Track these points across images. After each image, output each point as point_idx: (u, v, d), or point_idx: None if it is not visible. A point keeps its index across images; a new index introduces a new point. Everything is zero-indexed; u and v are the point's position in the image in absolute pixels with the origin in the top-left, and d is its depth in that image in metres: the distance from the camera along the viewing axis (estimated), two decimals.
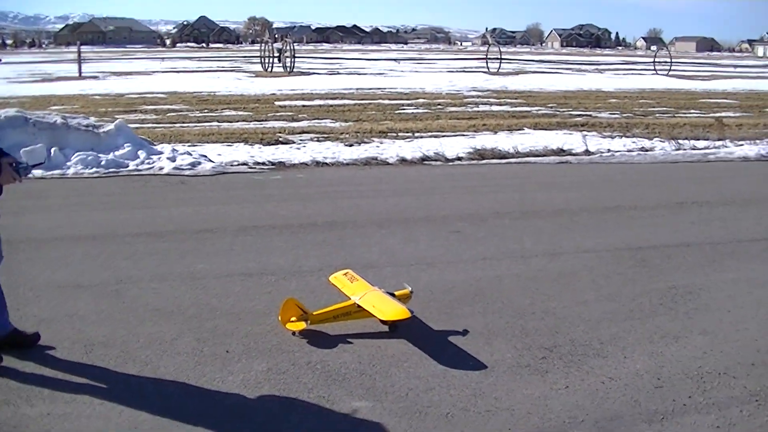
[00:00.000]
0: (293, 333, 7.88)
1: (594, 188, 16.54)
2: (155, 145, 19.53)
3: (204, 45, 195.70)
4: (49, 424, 6.11)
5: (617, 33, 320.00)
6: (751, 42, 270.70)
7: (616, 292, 9.47)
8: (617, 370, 7.20)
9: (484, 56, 72.97)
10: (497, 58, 68.52)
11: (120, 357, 7.38)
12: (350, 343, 7.77)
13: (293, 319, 7.85)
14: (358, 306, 7.99)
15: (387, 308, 7.84)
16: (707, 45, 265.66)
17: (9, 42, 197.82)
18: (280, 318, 7.90)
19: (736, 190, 16.52)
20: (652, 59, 79.10)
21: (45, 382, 6.84)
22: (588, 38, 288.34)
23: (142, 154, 18.35)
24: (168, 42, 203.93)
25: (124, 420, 6.18)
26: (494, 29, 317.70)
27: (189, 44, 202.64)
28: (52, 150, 17.70)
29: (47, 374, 6.99)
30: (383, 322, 8.03)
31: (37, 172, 16.39)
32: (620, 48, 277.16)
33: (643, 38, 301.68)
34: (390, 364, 7.28)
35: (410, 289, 8.53)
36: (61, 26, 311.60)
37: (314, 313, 7.92)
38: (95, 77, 53.13)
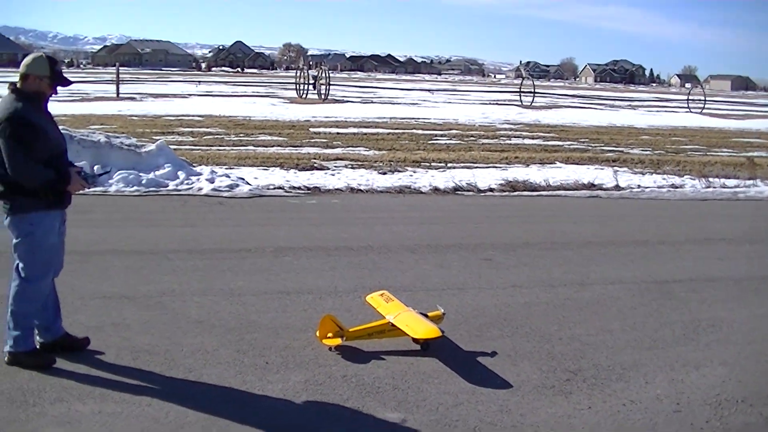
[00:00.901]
0: (329, 348, 8.26)
1: (623, 222, 16.87)
2: (194, 166, 19.98)
3: (239, 70, 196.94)
4: (101, 421, 6.50)
5: (651, 69, 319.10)
6: None
7: (641, 322, 9.80)
8: (638, 394, 7.54)
9: (518, 89, 73.37)
10: (531, 92, 68.88)
11: (165, 364, 7.78)
12: (383, 359, 8.14)
13: (330, 334, 8.24)
14: (393, 325, 8.36)
15: (419, 327, 8.21)
16: (742, 83, 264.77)
17: None
18: (317, 333, 8.30)
19: (764, 229, 16.83)
20: (686, 97, 79.22)
21: (95, 383, 7.25)
22: (622, 74, 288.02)
23: (181, 174, 18.80)
24: (203, 66, 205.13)
25: (171, 420, 6.57)
26: (528, 62, 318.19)
27: (224, 68, 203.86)
28: (95, 168, 18.11)
29: (97, 376, 7.40)
30: (415, 340, 8.40)
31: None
32: (654, 84, 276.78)
33: (678, 75, 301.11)
34: (421, 379, 7.65)
35: (443, 311, 8.89)
36: (99, 47, 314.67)
37: (350, 330, 8.30)
38: (133, 98, 53.77)
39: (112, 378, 7.39)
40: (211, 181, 18.66)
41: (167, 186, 18.25)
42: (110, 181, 17.90)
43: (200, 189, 18.15)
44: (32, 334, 7.69)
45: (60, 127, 8.70)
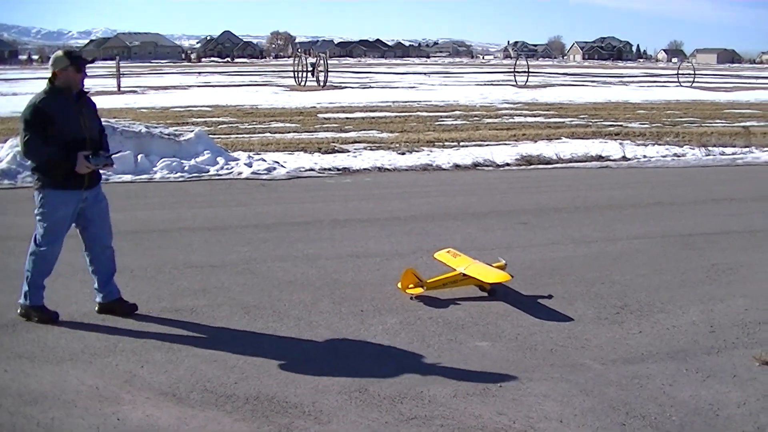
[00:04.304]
0: (411, 297, 9.66)
1: (636, 188, 18.36)
2: (231, 152, 21.32)
3: (229, 60, 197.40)
4: (243, 357, 7.89)
5: (638, 45, 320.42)
6: None
7: (669, 268, 11.31)
8: (678, 321, 9.05)
9: (512, 69, 74.69)
10: (524, 72, 70.12)
11: (275, 315, 9.17)
12: (459, 304, 9.57)
13: (411, 285, 9.65)
14: (464, 275, 9.80)
15: (491, 274, 9.68)
16: (728, 57, 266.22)
17: (35, 57, 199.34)
18: (400, 284, 9.71)
19: (765, 189, 18.45)
20: (674, 71, 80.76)
21: (227, 331, 8.68)
22: (610, 51, 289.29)
23: (221, 160, 20.17)
24: (193, 57, 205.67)
25: (304, 348, 8.03)
26: (516, 42, 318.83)
27: (213, 59, 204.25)
28: (139, 156, 19.50)
29: (225, 327, 8.82)
30: (482, 288, 9.86)
31: (127, 177, 18.29)
32: (641, 60, 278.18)
33: (664, 50, 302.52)
34: (496, 317, 9.10)
35: (504, 262, 10.32)
36: (84, 41, 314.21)
37: (429, 280, 9.72)
38: (134, 91, 54.57)
39: (238, 326, 8.84)
40: (249, 165, 20.04)
41: (208, 171, 19.59)
42: (154, 169, 19.23)
43: (240, 173, 19.51)
44: (40, 293, 8.95)
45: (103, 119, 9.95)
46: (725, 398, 6.98)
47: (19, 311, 8.94)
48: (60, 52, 8.92)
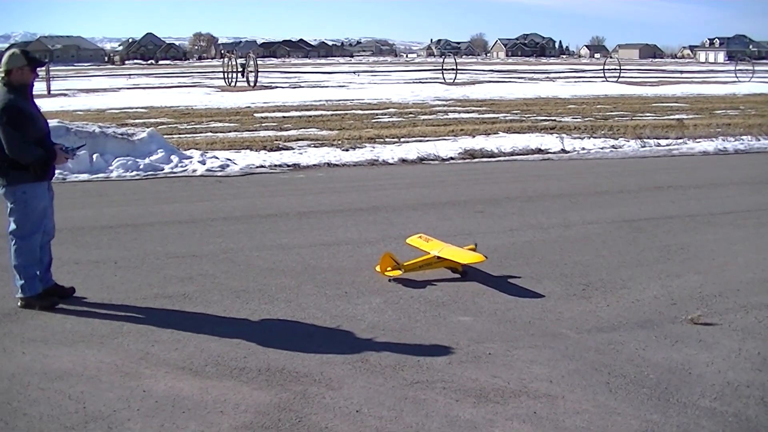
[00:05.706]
0: (389, 279, 10.30)
1: (581, 178, 19.17)
2: (184, 150, 21.75)
3: (153, 62, 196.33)
4: (250, 331, 8.46)
5: (560, 41, 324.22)
6: (692, 48, 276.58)
7: (624, 249, 12.10)
8: (641, 296, 9.81)
9: (438, 67, 75.68)
10: (452, 69, 71.06)
11: (264, 298, 9.74)
12: (435, 284, 10.25)
13: (389, 268, 10.30)
14: (438, 258, 10.46)
15: (466, 256, 10.37)
16: (650, 52, 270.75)
17: None
18: (379, 267, 10.36)
19: (703, 177, 19.42)
20: (598, 67, 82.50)
21: (221, 311, 9.24)
22: (533, 47, 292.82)
23: (174, 158, 20.60)
24: (116, 59, 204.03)
25: (300, 327, 8.64)
26: (439, 41, 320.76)
27: (137, 61, 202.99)
28: (94, 156, 19.86)
29: (222, 307, 9.38)
30: (454, 271, 10.53)
31: (83, 176, 18.70)
32: (565, 56, 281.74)
33: (587, 46, 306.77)
34: (473, 295, 9.79)
35: (475, 244, 10.99)
36: (3, 45, 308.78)
37: (405, 263, 10.36)
38: (65, 94, 54.28)
39: (232, 309, 9.39)
40: (203, 163, 20.51)
41: (163, 169, 19.98)
42: (110, 168, 19.61)
43: (195, 170, 19.96)
44: (36, 281, 9.45)
45: (56, 120, 10.32)
46: (695, 359, 7.74)
47: (20, 304, 9.37)
48: (17, 51, 9.18)
